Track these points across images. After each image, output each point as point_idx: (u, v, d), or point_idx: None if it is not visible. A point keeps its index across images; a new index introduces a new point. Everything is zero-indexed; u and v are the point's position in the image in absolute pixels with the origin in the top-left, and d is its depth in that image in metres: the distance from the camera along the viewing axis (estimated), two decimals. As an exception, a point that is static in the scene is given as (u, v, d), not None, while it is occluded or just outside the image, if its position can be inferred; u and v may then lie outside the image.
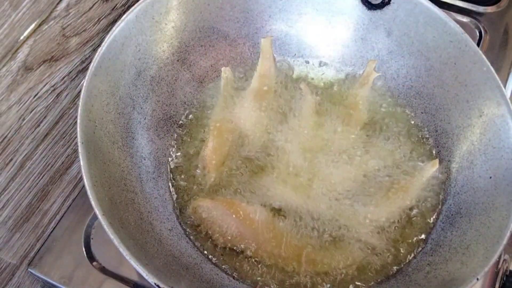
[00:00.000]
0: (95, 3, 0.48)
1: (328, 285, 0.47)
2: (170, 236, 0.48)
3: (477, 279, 0.40)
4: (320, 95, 0.57)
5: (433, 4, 0.52)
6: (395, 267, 0.48)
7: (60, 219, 0.54)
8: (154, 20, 0.51)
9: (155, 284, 0.38)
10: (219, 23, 0.56)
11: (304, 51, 0.59)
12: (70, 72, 0.48)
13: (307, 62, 0.60)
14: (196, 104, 0.56)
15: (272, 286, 0.47)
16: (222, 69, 0.57)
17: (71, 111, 0.50)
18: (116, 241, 0.39)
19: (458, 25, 0.51)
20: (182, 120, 0.55)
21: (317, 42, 0.59)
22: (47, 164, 0.50)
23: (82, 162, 0.42)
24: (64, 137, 0.51)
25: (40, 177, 0.49)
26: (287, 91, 0.57)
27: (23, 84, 0.43)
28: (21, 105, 0.43)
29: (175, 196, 0.51)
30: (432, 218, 0.51)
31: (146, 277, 0.38)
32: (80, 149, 0.42)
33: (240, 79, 0.58)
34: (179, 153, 0.54)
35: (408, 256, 0.49)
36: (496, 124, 0.48)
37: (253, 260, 0.48)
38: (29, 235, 0.51)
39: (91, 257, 0.52)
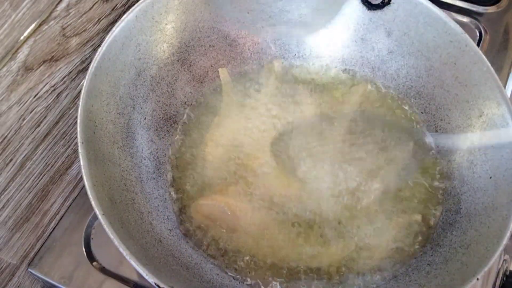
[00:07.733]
0: (95, 3, 0.48)
1: (329, 284, 0.47)
2: (170, 236, 0.48)
3: (477, 279, 0.40)
4: (320, 96, 0.57)
5: (433, 4, 0.52)
6: (395, 267, 0.49)
7: (60, 219, 0.54)
8: (154, 20, 0.51)
9: (155, 284, 0.38)
10: (219, 23, 0.56)
11: (304, 51, 0.59)
12: (70, 72, 0.48)
13: (307, 62, 0.60)
14: (196, 104, 0.56)
15: (272, 285, 0.47)
16: (219, 70, 0.57)
17: (71, 111, 0.50)
18: (116, 241, 0.39)
19: (458, 25, 0.51)
20: (182, 120, 0.55)
21: (317, 42, 0.59)
22: (47, 164, 0.50)
23: (82, 162, 0.42)
24: (64, 137, 0.51)
25: (40, 177, 0.49)
26: (287, 92, 0.57)
27: (23, 84, 0.43)
28: (21, 105, 0.43)
29: (175, 196, 0.51)
30: (432, 218, 0.51)
31: (146, 277, 0.38)
32: (80, 149, 0.42)
33: (240, 79, 0.58)
34: (179, 153, 0.54)
35: (408, 256, 0.49)
36: (496, 124, 0.48)
37: (254, 259, 0.48)
38: (29, 235, 0.51)
39: (91, 257, 0.52)
